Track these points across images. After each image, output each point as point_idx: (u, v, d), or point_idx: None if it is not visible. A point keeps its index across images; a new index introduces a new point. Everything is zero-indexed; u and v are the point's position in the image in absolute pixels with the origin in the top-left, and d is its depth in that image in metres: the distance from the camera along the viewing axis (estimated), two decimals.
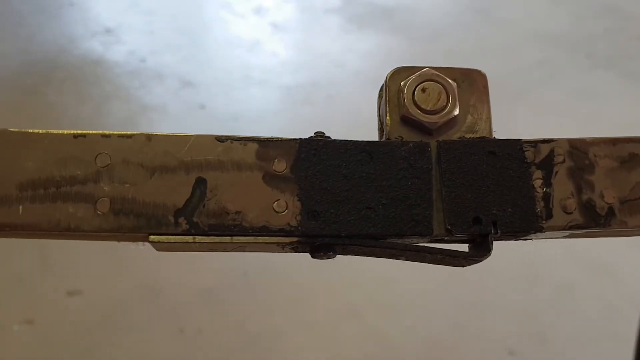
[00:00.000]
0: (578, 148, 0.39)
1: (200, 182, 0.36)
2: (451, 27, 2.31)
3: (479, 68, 0.42)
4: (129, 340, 1.34)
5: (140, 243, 0.37)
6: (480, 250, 0.38)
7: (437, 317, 1.40)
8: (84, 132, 0.36)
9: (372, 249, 0.37)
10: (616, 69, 2.10)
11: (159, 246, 0.36)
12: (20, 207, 0.35)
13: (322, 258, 0.38)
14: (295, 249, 0.38)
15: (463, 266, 0.39)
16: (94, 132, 0.36)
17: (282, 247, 0.37)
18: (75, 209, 0.35)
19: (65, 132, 0.36)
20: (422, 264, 0.39)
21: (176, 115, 1.91)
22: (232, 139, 0.37)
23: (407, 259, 0.38)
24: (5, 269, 1.46)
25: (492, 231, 0.37)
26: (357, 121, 1.19)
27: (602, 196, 0.38)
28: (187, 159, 0.36)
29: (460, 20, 2.36)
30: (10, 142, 0.36)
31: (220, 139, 0.37)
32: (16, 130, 0.36)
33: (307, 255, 0.40)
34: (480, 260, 0.38)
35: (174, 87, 2.02)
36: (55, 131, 0.36)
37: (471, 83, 0.40)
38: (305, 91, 1.98)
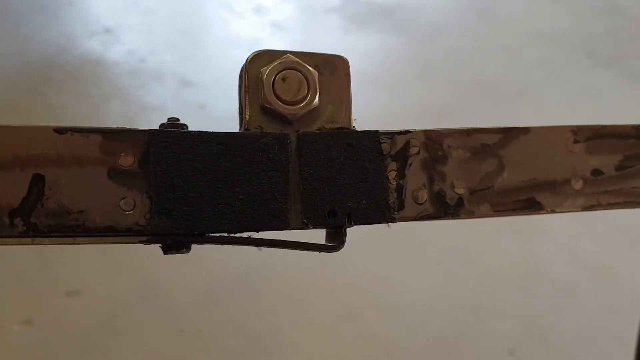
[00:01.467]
0: (433, 139, 0.39)
1: (38, 179, 0.33)
2: (451, 27, 2.31)
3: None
4: (129, 341, 1.34)
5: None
6: (334, 241, 0.38)
7: (438, 318, 1.39)
8: None
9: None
10: (617, 68, 2.09)
11: None
12: None
13: (174, 254, 0.36)
14: (148, 243, 0.36)
15: (320, 252, 0.39)
16: None
17: (132, 242, 0.36)
18: None
19: None
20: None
21: (176, 115, 1.91)
22: (73, 131, 0.34)
23: (268, 247, 0.38)
24: (5, 269, 1.46)
25: (346, 223, 0.37)
26: (357, 120, 1.18)
27: (452, 187, 0.39)
28: (22, 154, 0.33)
29: (460, 20, 2.35)
30: None
31: (60, 131, 0.34)
32: None
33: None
34: (335, 251, 0.38)
35: (173, 86, 2.01)
36: None
37: (333, 70, 0.39)
38: None
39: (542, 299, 1.43)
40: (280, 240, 0.37)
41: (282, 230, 0.37)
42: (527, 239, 1.52)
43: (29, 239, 0.34)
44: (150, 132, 0.35)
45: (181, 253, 0.36)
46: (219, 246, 0.37)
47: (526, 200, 0.41)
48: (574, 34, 2.25)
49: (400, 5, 2.40)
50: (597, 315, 1.39)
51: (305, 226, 0.37)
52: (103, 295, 1.43)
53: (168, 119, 0.37)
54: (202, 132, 0.36)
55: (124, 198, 0.34)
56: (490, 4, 2.40)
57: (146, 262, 1.46)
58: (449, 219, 0.39)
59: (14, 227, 0.33)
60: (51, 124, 0.34)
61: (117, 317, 1.38)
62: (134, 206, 0.34)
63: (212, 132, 0.36)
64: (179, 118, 0.38)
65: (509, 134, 0.40)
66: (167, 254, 0.36)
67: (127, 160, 0.34)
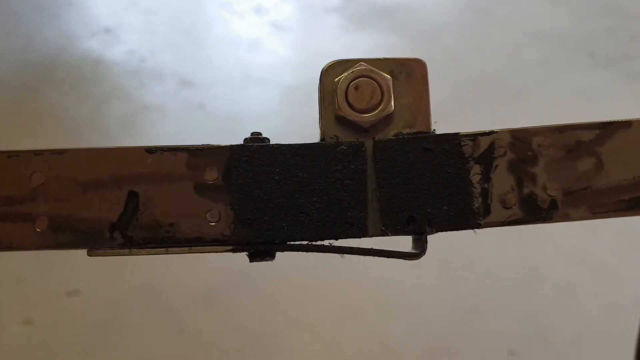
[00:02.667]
0: (520, 139, 0.38)
1: (133, 196, 0.36)
2: (451, 27, 2.31)
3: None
4: (129, 341, 1.34)
5: None
6: (417, 248, 0.38)
7: (437, 318, 1.39)
8: (18, 151, 0.36)
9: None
10: (617, 68, 2.09)
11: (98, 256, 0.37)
12: None
13: (259, 261, 0.38)
14: (233, 252, 0.37)
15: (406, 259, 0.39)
16: (27, 150, 0.36)
17: (218, 252, 0.37)
18: (15, 228, 0.36)
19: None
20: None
21: (176, 115, 1.91)
22: (162, 150, 0.37)
23: (348, 254, 0.39)
24: (4, 269, 1.46)
25: (427, 230, 0.37)
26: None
27: (544, 188, 0.37)
28: (118, 173, 0.36)
29: (460, 20, 2.35)
30: None
31: (150, 150, 0.37)
32: None
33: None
34: (416, 258, 0.38)
35: (173, 86, 2.01)
36: None
37: (409, 74, 0.39)
38: (305, 91, 1.98)
39: (542, 299, 1.43)
40: (360, 247, 0.38)
41: (360, 237, 0.37)
42: (527, 239, 1.52)
43: (127, 250, 0.36)
44: (231, 148, 0.37)
45: (266, 261, 0.38)
46: None
47: (630, 201, 0.38)
48: (574, 34, 2.25)
49: (400, 5, 2.40)
50: (597, 315, 1.39)
51: (383, 233, 0.37)
52: (103, 295, 1.43)
53: (251, 133, 0.38)
54: (280, 145, 0.37)
55: (209, 210, 0.37)
56: (490, 4, 2.40)
57: (146, 262, 1.46)
58: (541, 222, 0.38)
59: (114, 240, 0.36)
60: (142, 145, 0.37)
61: (117, 317, 1.38)
62: (219, 218, 0.36)
63: (290, 144, 0.37)
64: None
65: (607, 129, 0.39)
66: (252, 261, 0.38)
67: (211, 175, 0.37)
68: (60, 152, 0.36)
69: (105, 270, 1.45)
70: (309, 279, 1.44)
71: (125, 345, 1.34)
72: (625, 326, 1.28)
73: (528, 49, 2.18)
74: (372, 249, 0.38)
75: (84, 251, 0.37)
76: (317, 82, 0.38)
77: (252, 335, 1.35)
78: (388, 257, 0.38)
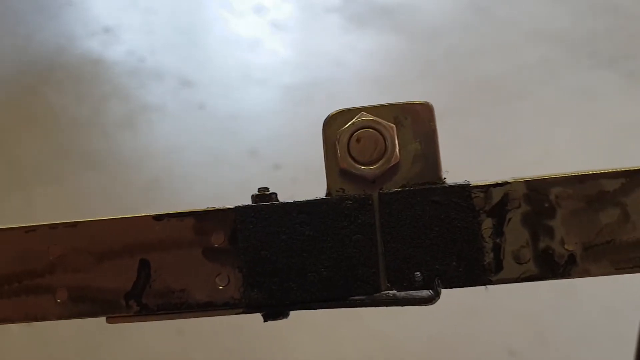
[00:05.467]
0: (537, 190, 0.35)
1: (144, 264, 0.36)
2: (451, 26, 2.31)
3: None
4: (129, 341, 1.34)
5: None
6: (430, 295, 0.37)
7: (437, 318, 1.39)
8: (34, 225, 0.37)
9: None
10: (618, 68, 2.09)
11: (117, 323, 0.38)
12: None
13: (273, 320, 0.38)
14: (245, 313, 0.38)
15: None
16: (43, 224, 0.37)
17: (230, 314, 0.38)
18: (38, 300, 0.37)
19: (17, 226, 0.37)
20: None
21: (175, 115, 1.91)
22: (169, 216, 0.36)
23: (360, 307, 0.39)
24: None
25: (436, 285, 0.36)
26: None
27: (562, 243, 0.35)
28: (129, 242, 0.37)
29: (460, 19, 2.35)
30: None
31: (158, 218, 0.37)
32: None
33: None
34: (431, 304, 0.37)
35: (173, 86, 2.01)
36: (6, 227, 0.37)
37: (414, 119, 0.36)
38: (305, 90, 1.98)
39: (542, 299, 1.43)
40: (372, 299, 0.37)
41: (372, 294, 0.37)
42: None
43: (143, 317, 0.37)
44: (236, 210, 0.36)
45: (280, 319, 0.38)
46: None
47: None
48: (575, 33, 2.25)
49: (400, 5, 2.40)
50: (598, 316, 1.39)
51: (390, 289, 0.36)
52: None
53: (258, 189, 0.38)
54: (285, 202, 0.36)
55: (218, 274, 0.36)
56: (490, 4, 2.39)
57: None
58: (558, 279, 0.36)
59: (130, 308, 0.37)
60: (150, 213, 0.37)
61: None
62: (229, 282, 0.36)
63: (295, 202, 0.36)
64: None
65: (634, 178, 0.35)
66: (266, 321, 0.38)
67: (218, 239, 0.36)
68: (73, 224, 0.37)
69: None
70: None
71: (125, 345, 1.33)
72: (625, 326, 1.27)
73: (528, 49, 2.18)
74: (384, 299, 0.37)
75: None
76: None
77: (252, 335, 1.35)
78: (402, 306, 0.38)
